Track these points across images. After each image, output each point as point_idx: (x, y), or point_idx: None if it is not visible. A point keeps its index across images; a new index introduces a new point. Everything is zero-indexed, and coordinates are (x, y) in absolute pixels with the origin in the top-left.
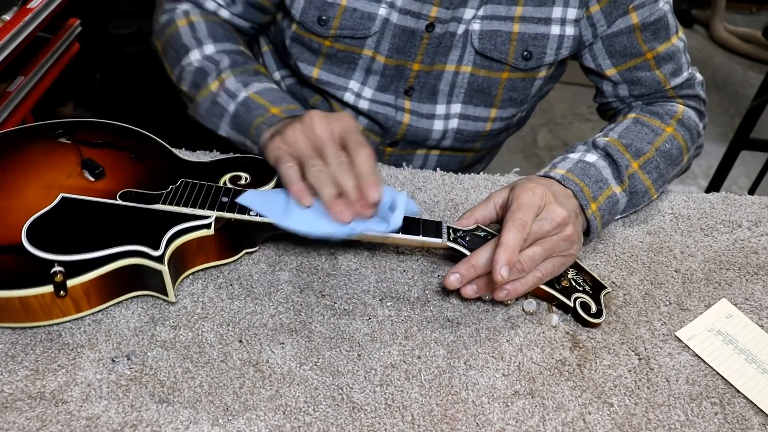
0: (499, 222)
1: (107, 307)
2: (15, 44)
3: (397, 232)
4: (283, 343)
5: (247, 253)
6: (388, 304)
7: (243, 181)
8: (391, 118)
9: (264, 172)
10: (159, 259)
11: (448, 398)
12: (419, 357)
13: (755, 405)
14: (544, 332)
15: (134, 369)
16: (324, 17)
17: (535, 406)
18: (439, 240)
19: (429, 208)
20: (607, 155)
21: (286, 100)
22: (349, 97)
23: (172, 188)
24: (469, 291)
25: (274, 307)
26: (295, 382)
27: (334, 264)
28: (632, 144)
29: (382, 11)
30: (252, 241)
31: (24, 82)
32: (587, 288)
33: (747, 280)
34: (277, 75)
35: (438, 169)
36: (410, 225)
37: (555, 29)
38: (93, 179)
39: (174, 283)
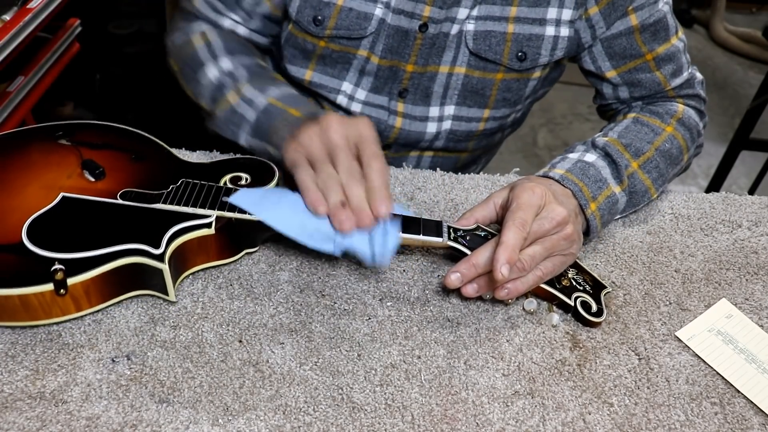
0: (499, 222)
1: (107, 307)
2: (15, 44)
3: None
4: (283, 343)
5: (247, 253)
6: (388, 304)
7: (243, 182)
8: (383, 122)
9: (264, 173)
10: (160, 258)
11: (448, 398)
12: (419, 357)
13: (755, 405)
14: (544, 332)
15: (134, 369)
16: (319, 17)
17: (535, 406)
18: (439, 239)
19: (429, 208)
20: (607, 155)
21: (305, 103)
22: (341, 100)
23: (172, 188)
24: (470, 290)
25: (274, 307)
26: (295, 382)
27: (334, 264)
28: (632, 143)
29: (379, 11)
30: (252, 241)
31: (24, 82)
32: (588, 287)
33: (747, 280)
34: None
35: (438, 169)
36: (410, 224)
37: (550, 30)
38: (93, 180)
39: (174, 282)
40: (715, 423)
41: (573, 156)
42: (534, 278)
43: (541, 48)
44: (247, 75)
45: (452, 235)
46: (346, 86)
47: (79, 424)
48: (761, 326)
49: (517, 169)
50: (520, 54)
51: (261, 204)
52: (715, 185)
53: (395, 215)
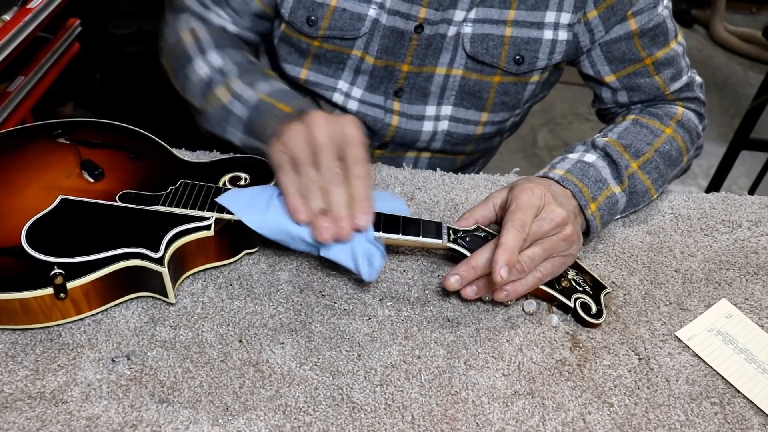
0: (498, 222)
1: (107, 309)
2: (15, 44)
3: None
4: (283, 343)
5: (247, 253)
6: (388, 304)
7: (243, 182)
8: (379, 120)
9: (264, 172)
10: (159, 261)
11: (448, 398)
12: (419, 357)
13: (755, 405)
14: (544, 332)
15: (134, 369)
16: (313, 17)
17: (535, 406)
18: (439, 241)
19: (429, 208)
20: (607, 155)
21: (296, 97)
22: (338, 98)
23: (171, 189)
24: (469, 292)
25: (274, 307)
26: (295, 382)
27: (334, 264)
28: (631, 144)
29: (372, 12)
30: (252, 242)
31: (24, 82)
32: (587, 288)
33: (747, 280)
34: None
35: (436, 167)
36: (410, 225)
37: (548, 34)
38: (92, 180)
39: (174, 284)
40: (715, 423)
41: (573, 156)
42: (533, 280)
43: (538, 52)
44: (237, 70)
45: (452, 236)
46: (342, 84)
47: (79, 424)
48: (761, 326)
49: (517, 169)
50: (517, 57)
51: (248, 206)
52: (715, 185)
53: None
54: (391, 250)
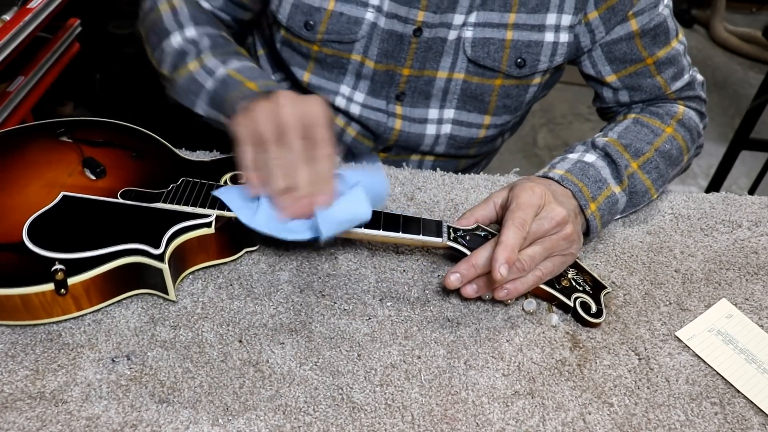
0: (498, 222)
1: (108, 306)
2: (15, 44)
3: (361, 226)
4: (283, 343)
5: (247, 252)
6: (388, 304)
7: (244, 180)
8: (382, 124)
9: None
10: (160, 258)
11: (448, 398)
12: (419, 357)
13: (755, 405)
14: (544, 332)
15: (134, 369)
16: (311, 22)
17: (535, 406)
18: (439, 239)
19: (429, 208)
20: (606, 155)
21: (264, 77)
22: (340, 102)
23: (173, 187)
24: (470, 291)
25: (274, 307)
26: (295, 382)
27: (334, 264)
28: (631, 144)
29: (370, 15)
30: (252, 240)
31: (24, 82)
32: (587, 288)
33: (747, 280)
34: (273, 78)
35: (438, 169)
36: (411, 224)
37: (549, 36)
38: (94, 178)
39: (174, 281)
40: (715, 423)
41: (573, 156)
42: (533, 278)
43: (540, 54)
44: (210, 44)
45: (452, 235)
46: (344, 89)
47: (79, 424)
48: (761, 326)
49: (517, 169)
50: (519, 61)
51: (241, 200)
52: (715, 185)
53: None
54: (392, 249)
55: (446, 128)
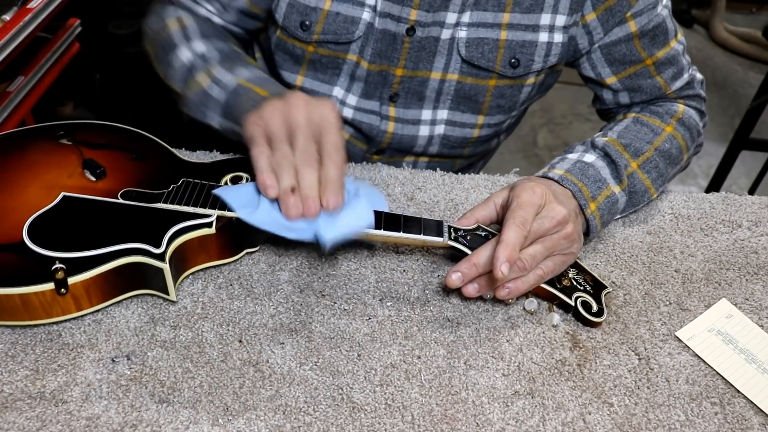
0: (499, 222)
1: (108, 306)
2: (15, 44)
3: (373, 226)
4: (283, 343)
5: (247, 252)
6: (388, 304)
7: (244, 182)
8: (375, 127)
9: None
10: (160, 257)
11: (448, 398)
12: (419, 357)
13: (755, 405)
14: (544, 332)
15: (134, 369)
16: (307, 22)
17: (535, 406)
18: (440, 239)
19: (429, 208)
20: (606, 155)
21: (275, 84)
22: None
23: (173, 187)
24: (471, 290)
25: (274, 307)
26: (295, 382)
27: (334, 264)
28: (631, 144)
29: (366, 15)
30: (253, 240)
31: (24, 82)
32: (588, 287)
33: (747, 280)
34: None
35: (438, 169)
36: (411, 224)
37: (543, 36)
38: (94, 179)
39: (175, 281)
40: (715, 423)
41: (572, 156)
42: (535, 278)
43: (534, 54)
44: (219, 57)
45: (453, 234)
46: (338, 91)
47: (79, 424)
48: (761, 326)
49: (517, 169)
50: (513, 61)
51: (241, 199)
52: (715, 185)
53: (377, 212)
54: (392, 249)
55: (439, 129)
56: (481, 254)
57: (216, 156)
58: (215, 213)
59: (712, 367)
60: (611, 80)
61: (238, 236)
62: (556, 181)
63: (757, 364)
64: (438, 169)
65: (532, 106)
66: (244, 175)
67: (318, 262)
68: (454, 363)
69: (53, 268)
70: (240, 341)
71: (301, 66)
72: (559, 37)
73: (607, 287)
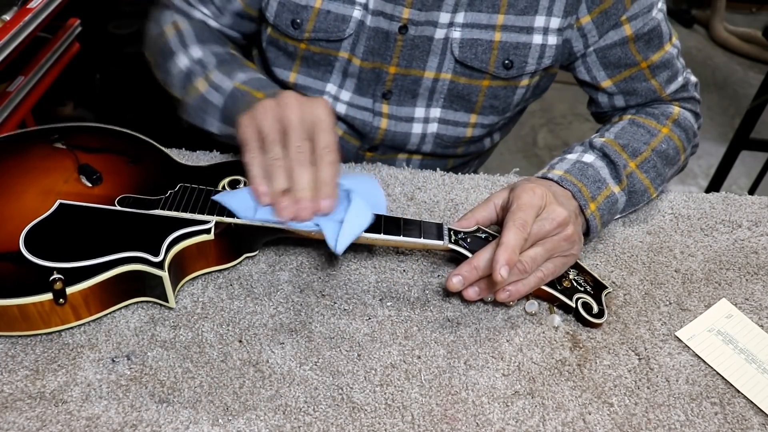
0: (499, 223)
1: (106, 315)
2: (15, 44)
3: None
4: (283, 343)
5: (246, 257)
6: (388, 304)
7: (242, 185)
8: (368, 123)
9: None
10: (159, 265)
11: (448, 398)
12: (419, 357)
13: (755, 405)
14: (544, 332)
15: (134, 369)
16: (298, 20)
17: (535, 406)
18: (440, 242)
19: (429, 208)
20: (605, 155)
21: (271, 86)
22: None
23: (171, 193)
24: (471, 293)
25: (274, 307)
26: (295, 382)
27: (334, 264)
28: (629, 144)
29: (357, 13)
30: (252, 245)
31: (24, 82)
32: (588, 288)
33: (747, 280)
34: None
35: (438, 169)
36: (411, 227)
37: (537, 38)
38: (90, 185)
39: (174, 288)
40: (715, 423)
41: (571, 157)
42: (535, 280)
43: (527, 56)
44: (216, 62)
45: (453, 237)
46: (330, 88)
47: (79, 424)
48: (761, 326)
49: (517, 169)
50: (506, 62)
51: (241, 202)
52: (715, 185)
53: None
54: (392, 250)
55: (433, 127)
56: (482, 257)
57: (216, 156)
58: (214, 219)
59: (712, 367)
60: (606, 83)
61: (237, 242)
62: (556, 182)
63: (757, 364)
64: (431, 167)
65: (532, 106)
66: (242, 178)
67: (318, 262)
68: (454, 363)
69: (51, 278)
70: (240, 341)
71: (294, 62)
72: (553, 40)
73: (607, 287)
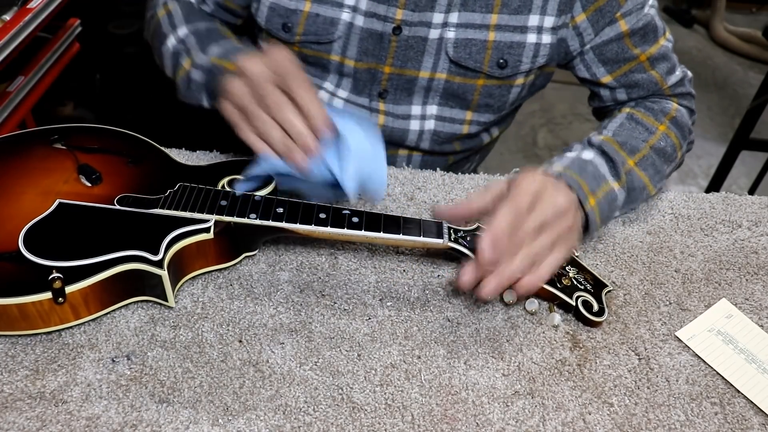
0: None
1: (106, 314)
2: (15, 44)
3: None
4: (283, 343)
5: (246, 256)
6: (388, 304)
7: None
8: None
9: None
10: (158, 264)
11: (448, 398)
12: (419, 357)
13: (755, 405)
14: (544, 332)
15: (134, 369)
16: (288, 24)
17: (535, 406)
18: (440, 240)
19: (429, 208)
20: (603, 153)
21: (241, 51)
22: (323, 95)
23: (170, 192)
24: (488, 290)
25: (274, 307)
26: (295, 382)
27: (334, 264)
28: (627, 142)
29: (345, 16)
30: (251, 244)
31: (24, 82)
32: (588, 286)
33: (747, 280)
34: None
35: (438, 168)
36: (411, 226)
37: (531, 37)
38: (90, 185)
39: (173, 288)
40: (715, 423)
41: (571, 155)
42: (547, 268)
43: (522, 56)
44: (195, 39)
45: (453, 236)
46: (328, 85)
47: (79, 424)
48: (761, 326)
49: (517, 169)
50: (500, 61)
51: (269, 165)
52: (715, 185)
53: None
54: (392, 249)
55: (429, 124)
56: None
57: (215, 156)
58: (213, 218)
59: (712, 367)
60: (607, 79)
61: (236, 241)
62: (556, 177)
63: (757, 364)
64: (432, 163)
65: (532, 106)
66: (241, 178)
67: (318, 262)
68: (454, 363)
69: (50, 277)
70: (240, 341)
71: None
72: (547, 39)
73: (607, 286)
